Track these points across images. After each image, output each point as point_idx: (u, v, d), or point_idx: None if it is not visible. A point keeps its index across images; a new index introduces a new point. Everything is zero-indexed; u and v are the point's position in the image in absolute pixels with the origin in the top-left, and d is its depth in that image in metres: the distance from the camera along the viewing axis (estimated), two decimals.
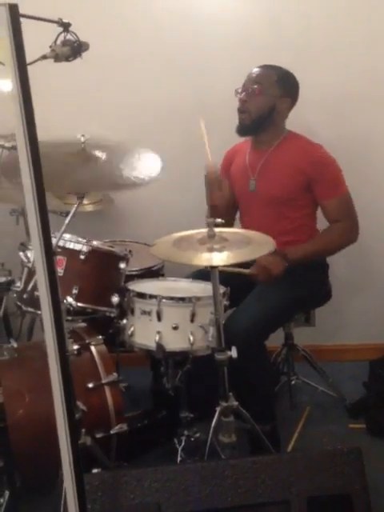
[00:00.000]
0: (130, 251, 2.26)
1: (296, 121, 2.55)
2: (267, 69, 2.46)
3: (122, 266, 2.21)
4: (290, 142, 2.49)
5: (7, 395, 1.96)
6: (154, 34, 2.88)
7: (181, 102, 2.90)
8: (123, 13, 2.87)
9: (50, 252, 1.15)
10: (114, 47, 2.85)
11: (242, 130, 2.49)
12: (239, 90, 2.47)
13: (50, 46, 1.82)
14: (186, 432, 2.21)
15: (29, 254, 2.11)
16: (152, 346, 2.01)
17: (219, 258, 1.87)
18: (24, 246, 2.14)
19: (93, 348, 2.13)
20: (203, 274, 2.21)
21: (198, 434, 2.22)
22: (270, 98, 2.43)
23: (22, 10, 1.07)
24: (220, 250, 1.90)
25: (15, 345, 2.19)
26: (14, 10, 1.06)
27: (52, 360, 1.18)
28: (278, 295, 2.36)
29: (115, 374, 2.09)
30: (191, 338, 2.00)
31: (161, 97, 2.92)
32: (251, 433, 2.13)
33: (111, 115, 2.91)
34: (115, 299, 2.13)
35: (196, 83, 2.90)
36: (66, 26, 1.78)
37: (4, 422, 1.90)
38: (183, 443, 2.18)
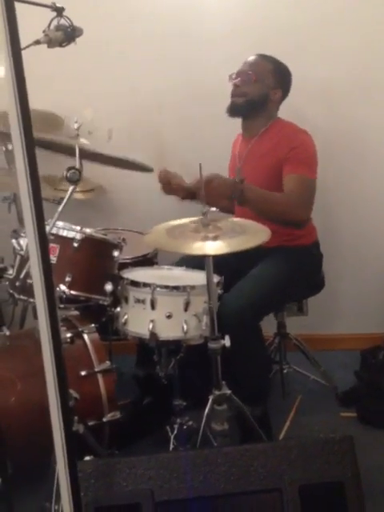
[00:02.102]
0: (123, 239, 2.25)
1: (292, 112, 2.55)
2: (264, 58, 2.47)
3: (116, 253, 2.20)
4: (276, 129, 2.48)
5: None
6: (148, 20, 2.86)
7: (174, 89, 2.89)
8: None
9: (43, 240, 1.14)
10: (108, 33, 2.83)
11: (233, 110, 2.48)
12: (233, 75, 2.46)
13: (44, 31, 1.81)
14: (178, 420, 2.21)
15: (21, 241, 2.09)
16: (145, 334, 2.01)
17: (212, 247, 1.87)
18: (16, 234, 2.12)
19: (86, 336, 2.12)
20: (197, 261, 2.21)
21: (190, 422, 2.22)
22: (264, 86, 2.44)
23: None
24: (213, 239, 1.89)
25: (7, 333, 2.18)
26: None
27: (45, 348, 1.18)
28: (270, 279, 2.36)
29: (108, 362, 2.09)
30: (185, 327, 2.00)
31: (155, 84, 2.90)
32: (243, 421, 2.13)
33: (104, 101, 2.88)
34: (108, 287, 2.13)
35: (190, 71, 2.89)
36: (59, 11, 1.77)
37: None
38: (176, 431, 2.18)
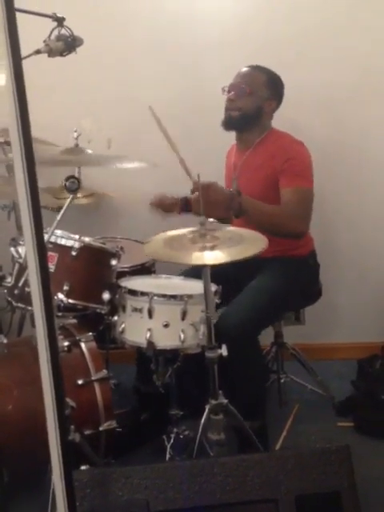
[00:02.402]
0: (121, 248, 2.26)
1: (288, 122, 2.57)
2: (257, 70, 2.48)
3: (114, 262, 2.20)
4: (271, 140, 2.49)
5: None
6: (148, 30, 2.89)
7: (173, 98, 2.90)
8: (117, 8, 2.87)
9: (42, 248, 1.15)
10: (108, 42, 2.85)
11: (228, 124, 2.50)
12: (226, 88, 2.48)
13: (44, 41, 1.82)
14: (175, 429, 2.22)
15: (20, 249, 2.10)
16: (143, 343, 2.01)
17: (210, 257, 1.87)
18: (15, 242, 2.13)
19: (83, 345, 2.11)
20: (195, 271, 2.21)
21: (187, 432, 2.22)
22: (258, 99, 2.45)
23: (16, 4, 1.06)
24: (211, 249, 1.90)
25: (5, 340, 2.18)
26: (8, 4, 1.06)
27: (42, 356, 1.18)
28: (269, 291, 2.37)
29: (105, 371, 2.09)
30: (182, 336, 2.00)
31: (154, 93, 2.91)
32: (240, 430, 2.13)
33: (103, 111, 2.90)
34: (106, 296, 2.13)
35: (188, 80, 2.92)
36: (60, 21, 1.78)
37: None
38: (172, 441, 2.18)
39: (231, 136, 2.58)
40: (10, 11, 1.06)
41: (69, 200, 1.93)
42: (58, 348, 1.20)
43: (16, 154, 1.10)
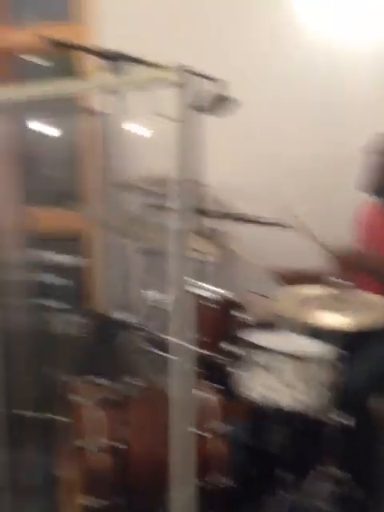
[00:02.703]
0: (247, 300, 2.27)
1: None
2: None
3: (239, 314, 2.23)
4: None
5: (131, 432, 1.94)
6: (296, 86, 2.96)
7: (313, 153, 2.94)
8: (261, 63, 2.96)
9: (187, 298, 1.19)
10: (254, 99, 2.92)
11: (372, 191, 2.48)
12: (369, 149, 2.46)
13: (200, 100, 1.88)
14: (283, 493, 2.15)
15: (153, 293, 2.15)
16: (260, 399, 2.00)
17: (338, 321, 1.85)
18: (148, 286, 2.19)
19: (205, 395, 2.11)
20: (320, 331, 2.19)
21: (294, 497, 2.15)
22: None
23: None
24: (340, 312, 1.88)
25: (139, 383, 2.18)
26: (183, 70, 1.14)
27: (174, 404, 1.21)
28: None
29: (224, 425, 2.06)
30: (301, 397, 1.97)
31: (295, 148, 2.95)
32: (348, 501, 2.05)
33: (243, 165, 2.97)
34: (229, 347, 2.14)
35: (329, 137, 2.95)
36: (218, 82, 1.84)
37: (126, 458, 1.90)
38: (279, 505, 2.12)
39: (364, 194, 2.55)
40: (185, 77, 1.14)
41: (204, 250, 1.98)
42: (192, 398, 1.22)
43: (178, 205, 1.16)
